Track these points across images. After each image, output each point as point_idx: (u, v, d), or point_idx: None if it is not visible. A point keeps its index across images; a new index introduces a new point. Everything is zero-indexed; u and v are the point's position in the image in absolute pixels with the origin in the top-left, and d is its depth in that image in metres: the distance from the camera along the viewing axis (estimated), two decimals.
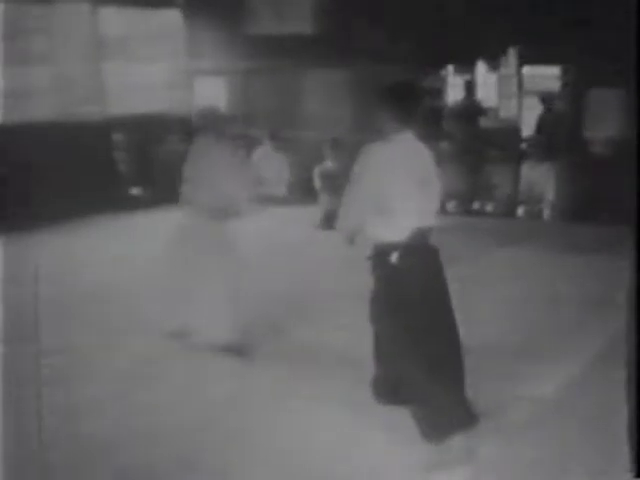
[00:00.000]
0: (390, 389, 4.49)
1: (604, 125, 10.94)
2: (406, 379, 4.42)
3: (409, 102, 4.52)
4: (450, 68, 12.71)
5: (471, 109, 12.49)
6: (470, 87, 12.58)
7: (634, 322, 3.30)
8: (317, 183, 11.30)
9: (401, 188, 4.34)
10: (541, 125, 11.81)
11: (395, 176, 4.34)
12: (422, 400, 4.41)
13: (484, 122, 12.47)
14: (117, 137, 12.88)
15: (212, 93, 13.60)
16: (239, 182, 6.36)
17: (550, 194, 11.52)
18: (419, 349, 4.37)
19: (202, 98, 13.78)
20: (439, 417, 4.42)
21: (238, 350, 6.11)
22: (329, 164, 11.29)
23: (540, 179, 11.65)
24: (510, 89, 12.36)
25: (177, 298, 6.31)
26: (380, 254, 4.40)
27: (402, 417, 4.51)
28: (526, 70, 12.13)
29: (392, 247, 4.35)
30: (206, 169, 6.23)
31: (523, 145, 12.14)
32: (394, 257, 4.35)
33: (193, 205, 6.28)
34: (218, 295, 6.12)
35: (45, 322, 6.78)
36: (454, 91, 12.79)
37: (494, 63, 12.47)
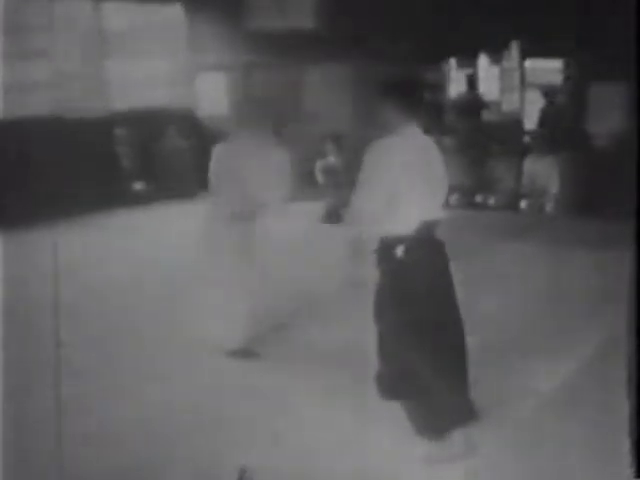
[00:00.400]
0: (394, 384, 4.48)
1: (607, 118, 10.90)
2: (410, 374, 4.40)
3: (413, 94, 4.51)
4: (452, 62, 12.67)
5: (473, 103, 12.45)
6: (472, 81, 12.54)
7: (634, 320, 3.29)
8: (319, 178, 11.29)
9: (409, 182, 4.32)
10: (543, 119, 11.79)
11: (406, 171, 4.32)
12: (425, 395, 4.41)
13: (486, 116, 12.44)
14: (119, 132, 12.86)
15: (214, 88, 13.57)
16: (273, 182, 6.22)
17: (553, 187, 11.50)
18: (423, 344, 4.36)
19: (204, 93, 13.78)
20: (440, 413, 4.41)
21: (246, 353, 6.10)
22: (331, 159, 11.28)
23: (543, 172, 11.63)
24: (512, 83, 12.32)
25: (192, 298, 6.26)
26: (386, 248, 4.37)
27: (404, 411, 4.52)
28: (528, 63, 12.09)
29: (398, 241, 4.33)
30: (240, 170, 6.11)
31: (525, 139, 12.11)
32: (400, 251, 4.33)
33: (220, 206, 6.17)
34: (235, 298, 6.07)
35: (45, 319, 6.79)
36: (456, 85, 12.75)
37: (496, 57, 12.43)
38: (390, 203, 4.29)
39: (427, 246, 4.41)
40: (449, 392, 4.41)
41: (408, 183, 4.31)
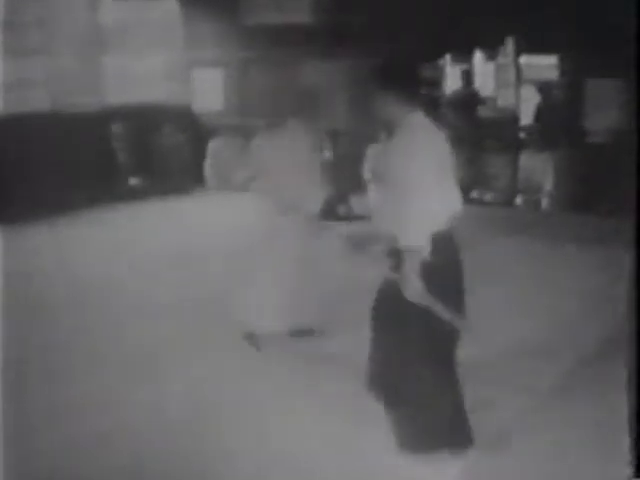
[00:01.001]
0: (390, 393, 4.46)
1: (602, 114, 10.92)
2: (408, 383, 4.38)
3: (415, 81, 4.49)
4: (448, 57, 12.69)
5: (469, 98, 12.47)
6: (468, 76, 12.57)
7: (634, 319, 3.30)
8: None
9: (442, 176, 4.27)
10: (539, 114, 11.81)
11: (442, 168, 4.27)
12: (419, 406, 4.38)
13: (482, 111, 12.46)
14: (115, 127, 12.87)
15: (210, 84, 13.58)
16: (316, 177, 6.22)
17: (548, 183, 11.52)
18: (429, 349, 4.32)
19: (200, 89, 13.78)
20: (431, 430, 4.39)
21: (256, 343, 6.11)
22: (327, 154, 11.28)
23: (538, 168, 11.64)
24: (508, 78, 12.35)
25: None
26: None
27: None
28: (524, 59, 12.11)
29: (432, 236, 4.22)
30: (284, 164, 6.11)
31: (521, 134, 12.15)
32: (428, 250, 4.18)
33: (267, 201, 6.17)
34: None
35: (44, 315, 6.81)
36: (452, 80, 12.78)
37: (492, 52, 12.46)
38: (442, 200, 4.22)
39: (453, 242, 4.39)
40: (444, 410, 4.39)
41: (442, 177, 4.25)
